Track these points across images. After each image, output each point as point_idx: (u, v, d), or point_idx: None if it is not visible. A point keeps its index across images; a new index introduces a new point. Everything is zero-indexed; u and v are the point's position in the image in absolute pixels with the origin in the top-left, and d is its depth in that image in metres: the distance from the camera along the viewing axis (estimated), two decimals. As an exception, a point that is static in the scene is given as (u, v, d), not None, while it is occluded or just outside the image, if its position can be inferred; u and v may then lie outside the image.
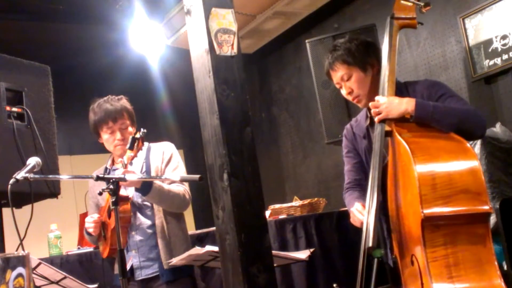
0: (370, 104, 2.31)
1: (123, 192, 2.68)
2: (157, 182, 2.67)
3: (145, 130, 2.55)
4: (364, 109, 2.54)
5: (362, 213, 2.24)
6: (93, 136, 2.92)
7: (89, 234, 2.82)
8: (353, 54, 2.43)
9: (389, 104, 2.23)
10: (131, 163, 2.61)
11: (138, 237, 2.78)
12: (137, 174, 2.59)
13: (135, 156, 2.58)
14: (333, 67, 2.47)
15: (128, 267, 2.74)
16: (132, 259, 2.77)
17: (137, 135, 2.54)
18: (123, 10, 5.14)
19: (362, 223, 2.22)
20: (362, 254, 2.18)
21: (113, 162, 2.94)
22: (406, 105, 2.20)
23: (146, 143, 2.89)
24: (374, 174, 2.21)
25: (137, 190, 2.69)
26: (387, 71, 2.33)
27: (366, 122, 2.48)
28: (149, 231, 2.78)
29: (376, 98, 2.30)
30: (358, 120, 2.61)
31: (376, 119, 2.27)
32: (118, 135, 2.81)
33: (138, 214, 2.80)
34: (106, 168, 2.93)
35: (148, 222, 2.79)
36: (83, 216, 4.00)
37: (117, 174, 2.59)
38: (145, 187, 2.63)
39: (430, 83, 2.41)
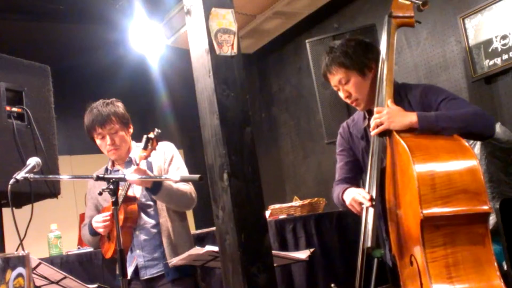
0: (373, 118, 2.26)
1: (130, 192, 2.69)
2: (165, 182, 2.66)
3: (159, 131, 2.53)
4: None
5: (365, 197, 2.21)
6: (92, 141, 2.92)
7: (94, 234, 2.79)
8: (351, 57, 2.38)
9: (392, 115, 2.18)
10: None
11: (142, 237, 2.78)
12: (139, 174, 2.57)
13: (148, 156, 2.56)
14: (331, 70, 2.43)
15: (133, 267, 2.75)
16: (137, 259, 2.77)
17: (151, 135, 2.51)
18: (123, 10, 5.13)
19: (361, 208, 2.22)
20: (361, 254, 2.18)
21: (113, 164, 2.94)
22: (409, 118, 2.14)
23: None
24: (373, 174, 2.21)
25: (147, 189, 2.70)
26: (385, 70, 2.30)
27: (364, 123, 2.45)
28: (154, 230, 2.78)
29: (376, 109, 2.25)
30: (355, 119, 2.56)
31: (377, 130, 2.20)
32: (108, 140, 2.79)
33: (142, 214, 2.80)
34: (106, 169, 2.93)
35: (152, 221, 2.79)
36: (83, 216, 3.99)
37: (119, 174, 2.59)
38: (155, 186, 2.64)
39: (426, 89, 2.34)
